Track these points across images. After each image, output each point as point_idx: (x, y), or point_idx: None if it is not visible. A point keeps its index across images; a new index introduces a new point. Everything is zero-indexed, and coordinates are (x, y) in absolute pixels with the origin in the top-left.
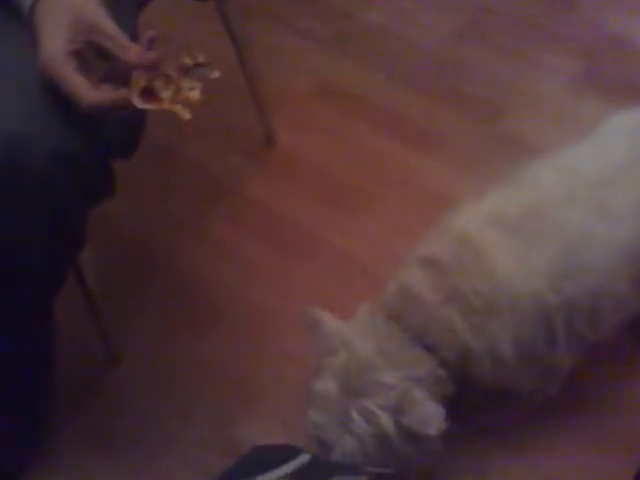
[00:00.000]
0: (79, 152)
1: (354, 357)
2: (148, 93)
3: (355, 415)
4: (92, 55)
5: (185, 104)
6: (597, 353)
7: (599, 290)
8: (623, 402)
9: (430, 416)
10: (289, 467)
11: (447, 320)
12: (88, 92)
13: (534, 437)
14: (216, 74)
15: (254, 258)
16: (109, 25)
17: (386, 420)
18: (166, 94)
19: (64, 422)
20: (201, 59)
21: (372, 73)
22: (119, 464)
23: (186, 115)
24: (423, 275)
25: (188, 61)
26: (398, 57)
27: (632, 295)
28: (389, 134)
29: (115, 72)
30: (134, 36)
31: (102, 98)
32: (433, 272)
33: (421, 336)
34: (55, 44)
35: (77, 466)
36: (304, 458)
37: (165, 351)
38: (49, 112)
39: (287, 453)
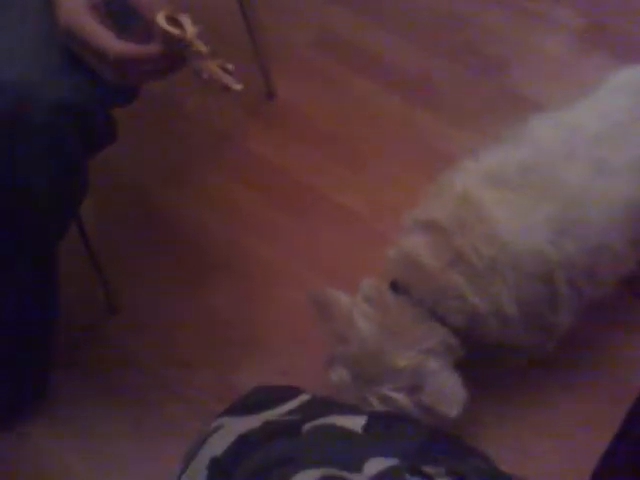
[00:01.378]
0: (81, 101)
1: (364, 343)
2: (174, 22)
3: (375, 402)
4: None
5: (222, 72)
6: (597, 310)
7: (598, 246)
8: (611, 358)
9: (448, 391)
10: (292, 404)
11: (455, 287)
12: (114, 42)
13: (526, 389)
14: (239, 87)
15: (252, 210)
16: None
17: (404, 400)
18: (191, 29)
19: (65, 372)
20: (229, 67)
21: (373, 26)
22: (121, 412)
23: (235, 85)
24: (425, 240)
25: (219, 61)
26: (400, 10)
27: (629, 251)
28: (389, 88)
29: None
30: None
31: (129, 48)
32: (435, 236)
33: (432, 308)
34: None
35: (79, 416)
36: (304, 397)
37: (165, 300)
38: (52, 61)
39: (288, 393)
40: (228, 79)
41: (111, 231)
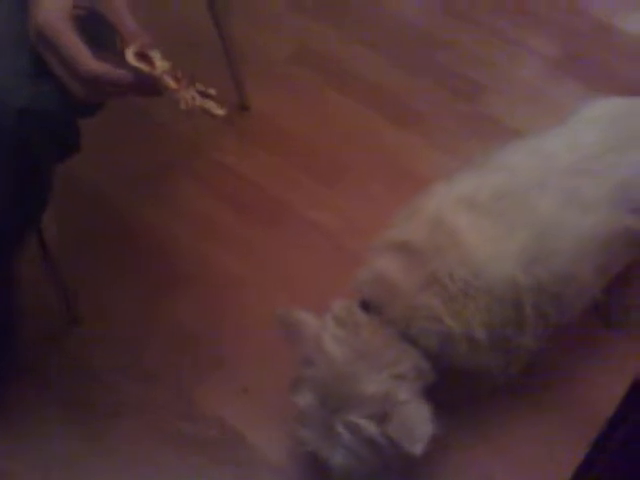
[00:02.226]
0: (47, 109)
1: (331, 366)
2: (143, 57)
3: (341, 429)
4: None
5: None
6: (558, 335)
7: (566, 275)
8: (577, 383)
9: (415, 426)
10: None
11: (429, 308)
12: (89, 60)
13: (493, 414)
14: (222, 112)
15: (222, 223)
16: None
17: (372, 429)
18: (162, 65)
19: (22, 382)
20: (211, 91)
21: (351, 43)
22: (79, 427)
23: (217, 110)
24: (398, 261)
25: (199, 86)
26: (379, 27)
27: (596, 279)
28: (366, 105)
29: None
30: None
31: (103, 70)
32: (408, 258)
33: (404, 329)
34: (59, 2)
35: (34, 430)
36: None
37: (129, 312)
38: (21, 65)
39: None
40: (210, 104)
41: (74, 241)
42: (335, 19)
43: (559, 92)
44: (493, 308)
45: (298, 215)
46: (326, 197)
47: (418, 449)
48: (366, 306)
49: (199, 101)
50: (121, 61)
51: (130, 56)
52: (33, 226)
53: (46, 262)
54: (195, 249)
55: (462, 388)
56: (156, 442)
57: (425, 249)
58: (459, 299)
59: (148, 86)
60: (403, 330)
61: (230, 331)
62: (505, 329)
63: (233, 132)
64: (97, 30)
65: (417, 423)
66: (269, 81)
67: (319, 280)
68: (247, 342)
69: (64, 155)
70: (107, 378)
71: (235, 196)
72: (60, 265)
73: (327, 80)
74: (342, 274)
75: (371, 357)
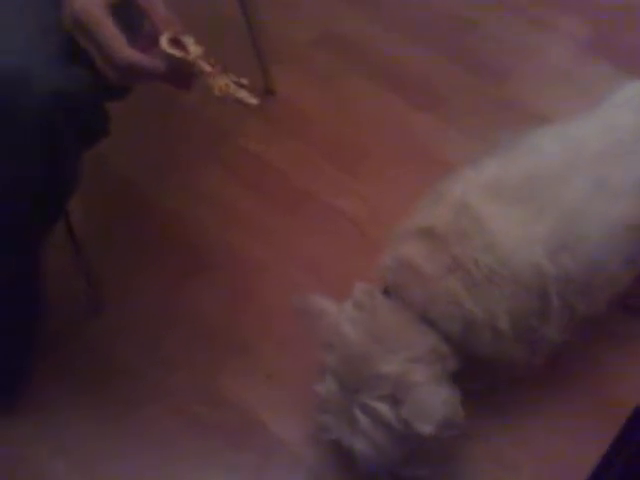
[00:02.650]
0: (78, 91)
1: (349, 350)
2: (177, 43)
3: (359, 413)
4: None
5: (234, 87)
6: (583, 328)
7: (593, 263)
8: (601, 374)
9: (427, 406)
10: None
11: (451, 292)
12: (125, 48)
13: (513, 404)
14: (255, 101)
15: (245, 208)
16: None
17: (385, 411)
18: (195, 50)
19: (45, 368)
20: (244, 81)
21: (377, 27)
22: (101, 411)
23: (251, 99)
24: (422, 246)
25: (231, 76)
26: (404, 10)
27: (625, 270)
28: (390, 89)
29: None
30: None
31: (138, 58)
32: (432, 243)
33: (424, 311)
34: None
35: (57, 414)
36: None
37: (151, 299)
38: (51, 50)
39: None
40: (242, 94)
41: (99, 227)
42: (360, 2)
43: (589, 75)
44: (518, 297)
45: (322, 202)
46: (350, 183)
47: (427, 429)
48: (388, 292)
49: (233, 89)
50: (154, 47)
51: (164, 42)
52: (61, 211)
53: (73, 249)
54: (219, 236)
55: (484, 377)
56: (178, 427)
57: (450, 234)
58: (483, 286)
59: (181, 76)
60: (423, 313)
61: (253, 318)
62: (530, 319)
63: (258, 118)
64: (128, 16)
65: (430, 404)
66: (293, 65)
67: (343, 267)
68: (270, 329)
69: (93, 140)
70: (129, 364)
71: (259, 183)
72: (85, 251)
73: (351, 64)
74: (366, 260)
75: (387, 339)
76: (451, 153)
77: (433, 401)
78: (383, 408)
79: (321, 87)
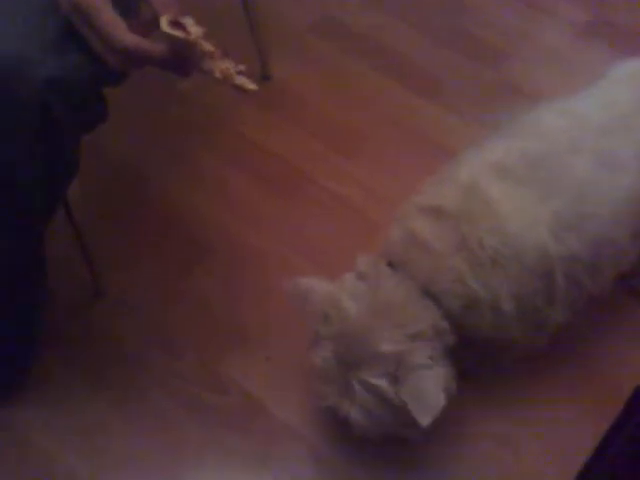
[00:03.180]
0: (75, 77)
1: (348, 325)
2: (177, 25)
3: (357, 387)
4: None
5: (232, 72)
6: (587, 308)
7: (600, 240)
8: (600, 357)
9: (426, 395)
10: None
11: (455, 270)
12: (125, 33)
13: (513, 385)
14: (253, 87)
15: (243, 194)
16: None
17: (385, 387)
18: (196, 30)
19: (49, 354)
20: (242, 67)
21: (374, 12)
22: (104, 396)
23: (249, 85)
24: (430, 224)
25: (230, 61)
26: None
27: (631, 246)
28: (388, 74)
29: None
30: None
31: (139, 43)
32: (440, 221)
33: (427, 285)
34: None
35: (61, 399)
36: None
37: (152, 284)
38: (46, 36)
39: None
40: (241, 79)
41: (99, 212)
42: None
43: (586, 58)
44: (523, 278)
45: (320, 186)
46: (348, 168)
47: (426, 421)
48: (393, 262)
49: (232, 71)
50: (153, 31)
51: (164, 24)
52: (61, 197)
53: (73, 235)
54: (217, 220)
55: (485, 358)
56: (180, 412)
57: (457, 214)
58: (487, 266)
59: (181, 60)
60: (426, 287)
61: (252, 302)
62: (535, 299)
63: (255, 103)
64: (125, 2)
65: (429, 392)
66: (290, 50)
67: (341, 250)
68: (269, 312)
69: (90, 125)
70: (132, 349)
71: (256, 167)
72: (85, 237)
73: (348, 49)
74: (364, 243)
75: (389, 313)
76: (449, 137)
77: (433, 388)
78: (383, 384)
79: (319, 72)
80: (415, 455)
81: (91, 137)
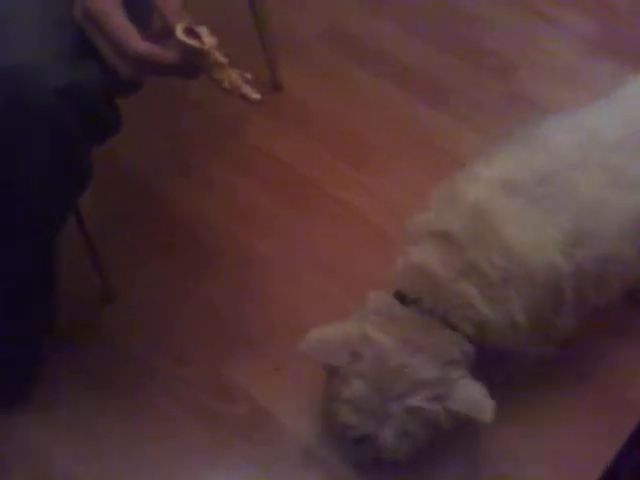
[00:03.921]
0: (88, 87)
1: (381, 355)
2: (191, 34)
3: (399, 412)
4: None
5: (241, 81)
6: (595, 320)
7: (608, 257)
8: (609, 368)
9: (478, 397)
10: None
11: (464, 295)
12: (138, 41)
13: (522, 395)
14: (258, 97)
15: (252, 202)
16: None
17: (434, 407)
18: (210, 40)
19: (56, 360)
20: (248, 76)
21: (383, 22)
22: (110, 403)
23: (254, 95)
24: (436, 250)
25: (237, 70)
26: (410, 4)
27: (637, 261)
28: (396, 83)
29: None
30: None
31: (151, 51)
32: (447, 247)
33: (443, 316)
34: None
35: (67, 405)
36: None
37: (160, 291)
38: (60, 46)
39: None
40: (247, 89)
41: (109, 220)
42: None
43: (594, 71)
44: (534, 294)
45: (328, 195)
46: (356, 176)
47: (488, 417)
48: (401, 297)
49: (240, 82)
50: (164, 40)
51: (180, 32)
52: (73, 205)
53: (83, 241)
54: (225, 228)
55: (498, 370)
56: (186, 420)
57: (464, 237)
58: (498, 286)
59: (191, 68)
60: (442, 317)
61: (261, 310)
62: (544, 312)
63: (265, 112)
64: (136, 11)
65: (478, 393)
66: (298, 60)
67: (349, 259)
68: (278, 321)
69: (103, 136)
70: (139, 355)
71: (265, 175)
72: (95, 242)
73: (357, 59)
74: (371, 253)
75: (421, 347)
76: (457, 145)
77: (479, 392)
78: (431, 405)
79: (327, 81)
80: (422, 469)
81: (102, 146)
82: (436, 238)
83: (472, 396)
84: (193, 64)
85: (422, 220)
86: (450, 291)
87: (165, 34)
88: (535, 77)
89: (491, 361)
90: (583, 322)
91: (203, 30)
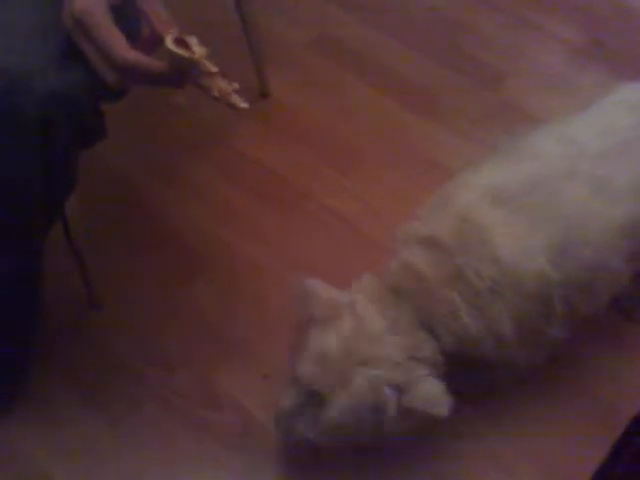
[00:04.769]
0: (75, 93)
1: (363, 324)
2: (181, 43)
3: (360, 380)
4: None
5: (229, 91)
6: (583, 327)
7: (595, 266)
8: (596, 377)
9: (436, 395)
10: None
11: (449, 303)
12: (126, 49)
13: (507, 402)
14: (245, 105)
15: (241, 209)
16: None
17: (391, 396)
18: (199, 50)
19: (43, 367)
20: (235, 85)
21: (372, 29)
22: (99, 411)
23: (242, 104)
24: (426, 255)
25: (226, 81)
26: (399, 14)
27: (625, 267)
28: (385, 92)
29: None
30: None
31: (140, 59)
32: (436, 252)
33: (427, 318)
34: None
35: (55, 413)
36: None
37: (148, 297)
38: (50, 51)
39: None
40: (235, 98)
41: (95, 226)
42: (355, 6)
43: (582, 79)
44: (522, 304)
45: (317, 202)
46: (345, 184)
47: (442, 411)
48: (393, 289)
49: (230, 91)
50: (152, 50)
51: (169, 42)
52: (59, 211)
53: (69, 247)
54: (214, 235)
55: (483, 378)
56: (176, 428)
57: (452, 245)
58: (485, 296)
59: (178, 78)
60: (424, 320)
61: (250, 317)
62: (533, 322)
63: (253, 119)
64: (125, 20)
65: (437, 392)
66: (288, 67)
67: (338, 267)
68: (267, 328)
69: (89, 141)
70: (128, 363)
71: (254, 183)
72: (81, 250)
73: (346, 67)
74: (361, 261)
75: (396, 333)
76: (445, 154)
77: (439, 391)
78: (390, 392)
79: (316, 90)
80: (411, 474)
81: (89, 151)
82: (424, 243)
83: (429, 394)
84: (181, 74)
85: (412, 227)
86: (435, 295)
87: (154, 43)
88: (524, 86)
89: (473, 370)
90: (572, 332)
91: (193, 40)
